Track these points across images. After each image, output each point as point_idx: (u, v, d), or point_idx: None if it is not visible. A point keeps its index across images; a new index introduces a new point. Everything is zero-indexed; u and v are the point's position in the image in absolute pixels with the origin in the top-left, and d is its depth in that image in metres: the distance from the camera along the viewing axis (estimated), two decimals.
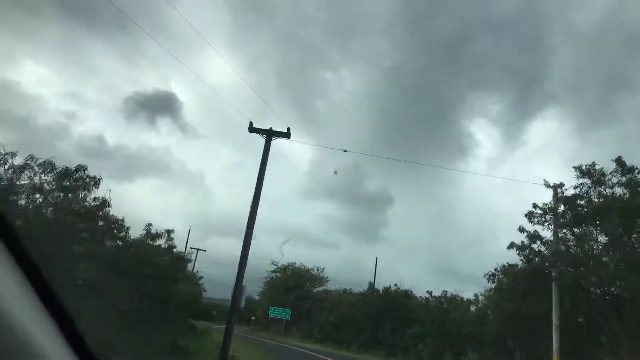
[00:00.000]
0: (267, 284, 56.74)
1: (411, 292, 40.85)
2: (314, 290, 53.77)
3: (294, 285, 52.53)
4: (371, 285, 45.11)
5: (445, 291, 37.59)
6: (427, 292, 39.29)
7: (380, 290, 42.56)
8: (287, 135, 17.98)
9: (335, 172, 55.42)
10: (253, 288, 53.27)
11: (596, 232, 19.53)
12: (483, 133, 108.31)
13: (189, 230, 47.27)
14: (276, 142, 18.25)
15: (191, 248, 45.52)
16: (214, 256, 74.84)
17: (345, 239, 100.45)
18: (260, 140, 18.05)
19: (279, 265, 56.09)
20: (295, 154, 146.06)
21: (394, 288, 41.19)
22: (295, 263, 56.31)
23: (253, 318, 57.78)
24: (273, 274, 56.36)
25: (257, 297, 58.88)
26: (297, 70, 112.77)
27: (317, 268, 56.71)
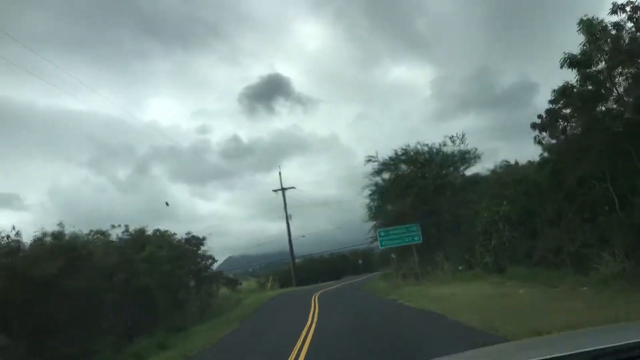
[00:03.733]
0: (371, 199, 34.93)
1: None
2: (459, 174, 32.28)
3: (417, 174, 32.07)
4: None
5: None
6: None
7: None
8: None
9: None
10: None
11: None
12: None
13: None
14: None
15: None
16: None
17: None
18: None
19: (380, 159, 33.70)
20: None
21: None
22: (409, 145, 33.35)
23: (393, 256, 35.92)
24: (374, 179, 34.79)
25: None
26: None
27: (454, 138, 31.59)
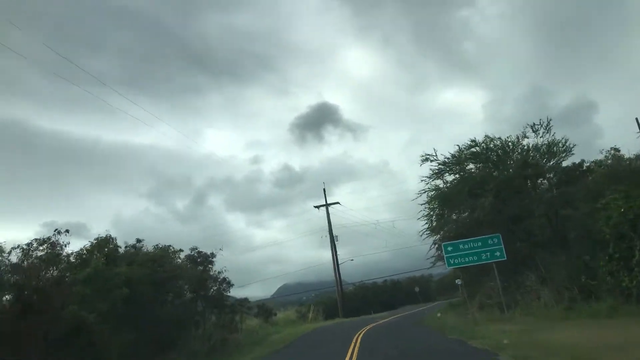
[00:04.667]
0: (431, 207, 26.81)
1: None
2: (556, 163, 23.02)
3: (490, 173, 24.15)
4: None
5: None
6: None
7: None
8: None
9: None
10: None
11: None
12: None
13: None
14: None
15: None
16: None
17: None
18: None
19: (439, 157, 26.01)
20: None
21: None
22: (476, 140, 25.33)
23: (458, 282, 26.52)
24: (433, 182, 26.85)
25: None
26: None
27: (537, 126, 23.51)
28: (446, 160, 26.99)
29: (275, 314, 39.27)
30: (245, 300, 30.57)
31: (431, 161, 27.52)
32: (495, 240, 20.37)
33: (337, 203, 51.60)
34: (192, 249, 22.72)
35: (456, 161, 26.99)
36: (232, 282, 24.36)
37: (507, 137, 25.70)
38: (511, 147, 25.38)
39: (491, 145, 26.04)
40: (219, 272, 23.76)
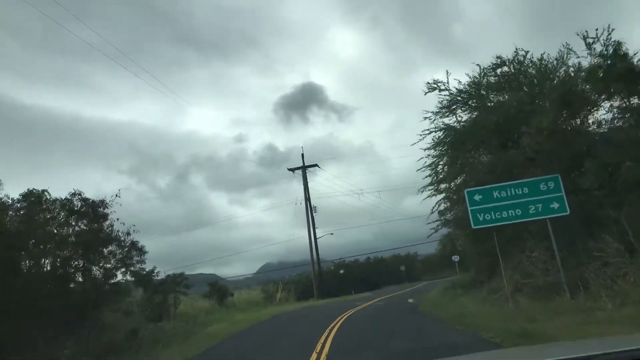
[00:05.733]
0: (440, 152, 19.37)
1: None
2: None
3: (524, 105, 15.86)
4: None
5: None
6: None
7: None
8: None
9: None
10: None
11: None
12: None
13: None
14: None
15: None
16: None
17: None
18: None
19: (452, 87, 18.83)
20: None
21: None
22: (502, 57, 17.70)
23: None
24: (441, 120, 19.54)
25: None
26: None
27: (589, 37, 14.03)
28: (463, 88, 19.30)
29: (232, 294, 31.51)
30: (181, 275, 22.68)
31: (440, 90, 19.80)
32: (552, 184, 12.75)
33: (316, 165, 43.72)
34: (73, 194, 14.49)
35: (475, 90, 19.27)
36: (146, 248, 16.34)
37: (544, 54, 18.01)
38: (551, 68, 17.69)
39: (527, 63, 18.35)
40: (125, 233, 15.72)
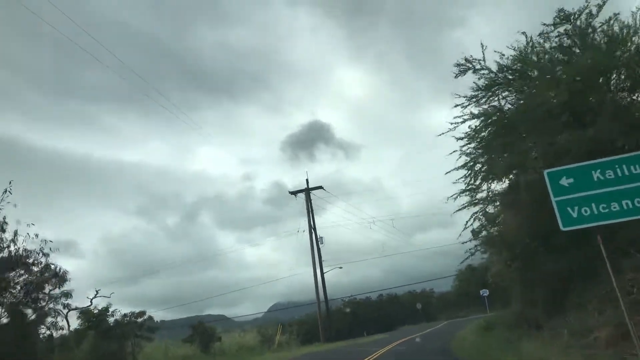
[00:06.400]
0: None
1: None
2: None
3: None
4: None
5: None
6: None
7: None
8: None
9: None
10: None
11: None
12: None
13: None
14: None
15: None
16: None
17: None
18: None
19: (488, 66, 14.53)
20: None
21: None
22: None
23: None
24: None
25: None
26: None
27: None
28: (504, 65, 14.70)
29: (220, 339, 26.01)
30: (141, 314, 17.50)
31: (475, 70, 15.20)
32: None
33: (320, 187, 38.85)
34: None
35: (521, 66, 14.63)
36: (66, 271, 11.46)
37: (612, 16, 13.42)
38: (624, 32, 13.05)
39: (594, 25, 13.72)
40: (38, 252, 10.89)
